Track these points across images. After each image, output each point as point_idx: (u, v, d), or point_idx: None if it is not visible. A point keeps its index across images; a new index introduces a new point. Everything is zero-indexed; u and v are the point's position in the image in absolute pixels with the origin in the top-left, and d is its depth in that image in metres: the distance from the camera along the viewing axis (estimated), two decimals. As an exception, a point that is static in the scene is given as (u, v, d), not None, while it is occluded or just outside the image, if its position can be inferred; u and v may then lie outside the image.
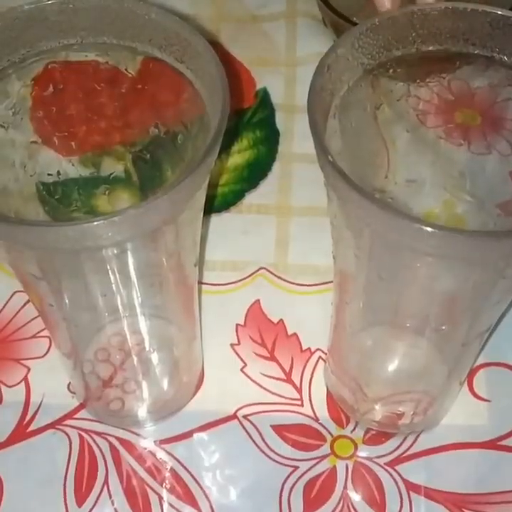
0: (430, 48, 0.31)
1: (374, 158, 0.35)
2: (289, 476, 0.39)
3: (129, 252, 0.28)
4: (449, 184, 0.36)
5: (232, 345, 0.43)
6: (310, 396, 0.41)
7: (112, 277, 0.30)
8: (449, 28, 0.31)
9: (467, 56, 0.32)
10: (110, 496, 0.39)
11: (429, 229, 0.24)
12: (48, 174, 0.35)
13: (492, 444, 0.40)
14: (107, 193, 0.37)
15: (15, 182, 0.34)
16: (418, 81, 0.35)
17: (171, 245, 0.30)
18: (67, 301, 0.32)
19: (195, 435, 0.40)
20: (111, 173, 0.38)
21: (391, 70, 0.32)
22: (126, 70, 0.33)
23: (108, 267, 0.29)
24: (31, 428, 0.40)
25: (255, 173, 0.49)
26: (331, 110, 0.30)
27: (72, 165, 0.36)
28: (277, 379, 0.42)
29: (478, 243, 0.25)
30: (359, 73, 0.30)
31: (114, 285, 0.30)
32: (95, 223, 0.25)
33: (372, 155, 0.35)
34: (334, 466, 0.39)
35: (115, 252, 0.28)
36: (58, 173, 0.36)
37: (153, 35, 0.30)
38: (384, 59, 0.31)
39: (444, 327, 0.32)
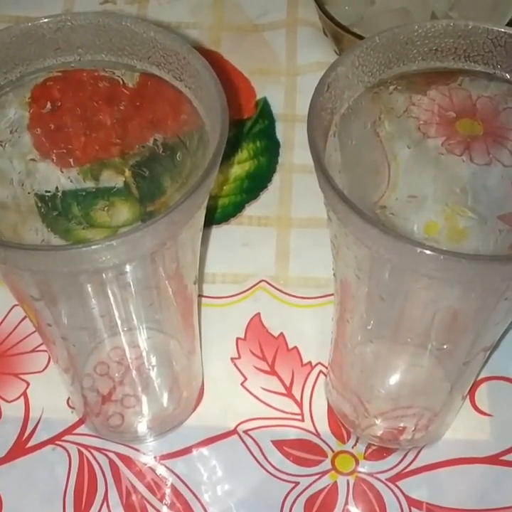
0: (431, 65, 0.31)
1: (375, 174, 0.35)
2: (290, 492, 0.39)
3: (128, 274, 0.28)
4: (451, 200, 0.36)
5: (232, 359, 0.43)
6: (311, 411, 0.41)
7: (111, 298, 0.29)
8: (450, 45, 0.30)
9: (469, 72, 0.31)
10: (110, 513, 0.38)
11: (430, 253, 0.24)
12: (46, 191, 0.35)
13: (494, 460, 0.40)
14: (105, 209, 0.37)
15: (13, 199, 0.34)
16: (419, 96, 0.35)
17: (170, 265, 0.30)
18: (65, 321, 0.31)
19: (195, 450, 0.40)
20: (110, 187, 0.38)
21: (392, 87, 0.31)
22: (124, 86, 0.33)
23: (107, 289, 0.29)
24: (30, 443, 0.40)
25: (255, 184, 0.49)
26: (331, 128, 0.29)
27: (71, 181, 0.36)
28: (278, 393, 0.42)
29: (480, 267, 0.25)
30: (359, 91, 0.30)
31: (113, 305, 0.30)
32: (93, 247, 0.24)
33: (373, 171, 0.35)
34: (335, 482, 0.39)
35: (114, 273, 0.28)
36: (56, 189, 0.36)
37: (151, 53, 0.30)
38: (384, 76, 0.31)
39: (445, 346, 0.32)
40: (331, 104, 0.29)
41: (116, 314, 0.32)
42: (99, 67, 0.31)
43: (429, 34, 0.30)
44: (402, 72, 0.31)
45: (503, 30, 0.30)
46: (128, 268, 0.28)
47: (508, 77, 0.31)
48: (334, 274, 0.33)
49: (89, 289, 0.29)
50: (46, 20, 0.30)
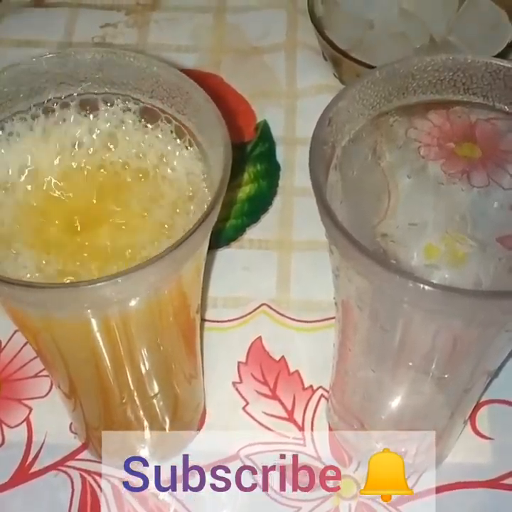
0: (430, 97, 0.31)
1: (375, 203, 0.35)
2: (292, 517, 0.39)
3: (132, 307, 0.28)
4: (451, 227, 0.36)
5: (234, 383, 0.43)
6: (312, 435, 0.41)
7: (114, 329, 0.30)
8: (450, 78, 0.31)
9: (468, 104, 0.32)
10: (113, 538, 0.38)
11: (431, 289, 0.24)
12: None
13: (496, 483, 0.40)
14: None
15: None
16: (419, 120, 0.35)
17: (173, 295, 0.30)
18: (67, 351, 0.32)
19: (198, 475, 0.40)
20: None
21: (392, 119, 0.32)
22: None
23: (111, 320, 0.29)
24: (33, 469, 0.40)
25: (256, 207, 0.49)
26: (333, 161, 0.30)
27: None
28: (279, 418, 0.42)
29: (480, 302, 0.25)
30: (360, 124, 0.30)
31: (118, 337, 0.30)
32: (98, 284, 0.25)
33: (373, 200, 0.35)
34: (337, 507, 0.39)
35: (118, 307, 0.28)
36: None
37: (155, 88, 0.30)
38: (385, 109, 0.31)
39: (446, 375, 0.32)
40: (333, 138, 0.29)
41: (120, 343, 0.32)
42: (104, 100, 0.32)
43: (428, 68, 0.30)
44: (402, 105, 0.31)
45: (502, 63, 0.30)
46: (132, 302, 0.28)
47: (507, 109, 0.31)
48: (336, 304, 0.33)
49: (93, 321, 0.29)
50: (50, 55, 0.30)
